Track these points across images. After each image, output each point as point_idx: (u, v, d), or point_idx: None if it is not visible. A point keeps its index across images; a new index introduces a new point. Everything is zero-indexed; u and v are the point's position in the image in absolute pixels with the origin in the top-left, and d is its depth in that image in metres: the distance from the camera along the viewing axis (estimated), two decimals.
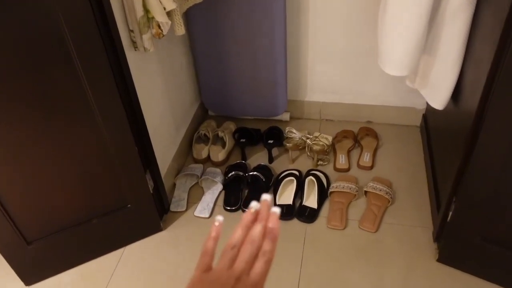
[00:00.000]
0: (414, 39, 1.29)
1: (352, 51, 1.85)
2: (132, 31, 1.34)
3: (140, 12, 1.28)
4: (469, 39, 1.25)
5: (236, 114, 2.10)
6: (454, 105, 1.39)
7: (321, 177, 1.75)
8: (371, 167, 1.81)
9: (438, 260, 1.44)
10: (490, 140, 1.10)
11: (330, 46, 1.86)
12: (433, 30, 1.32)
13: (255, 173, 1.74)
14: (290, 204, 1.65)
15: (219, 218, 0.53)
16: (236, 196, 1.72)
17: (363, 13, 1.73)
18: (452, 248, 1.40)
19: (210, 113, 2.18)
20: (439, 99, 1.40)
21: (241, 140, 1.92)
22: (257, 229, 0.52)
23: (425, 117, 1.94)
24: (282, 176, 1.76)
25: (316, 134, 1.92)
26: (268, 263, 0.51)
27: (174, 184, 1.81)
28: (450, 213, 1.32)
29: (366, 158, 1.83)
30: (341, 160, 1.84)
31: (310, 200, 1.67)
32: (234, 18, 1.72)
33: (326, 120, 2.10)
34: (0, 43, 1.02)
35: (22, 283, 1.49)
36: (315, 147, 1.82)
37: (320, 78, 1.98)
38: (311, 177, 1.71)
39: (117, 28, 1.19)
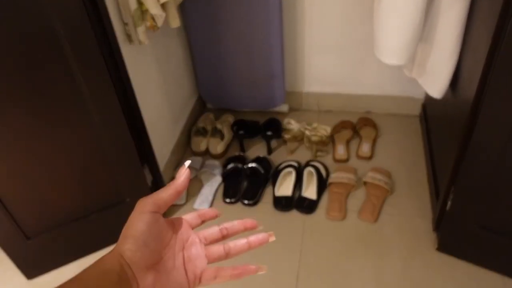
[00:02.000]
0: (410, 27, 1.28)
1: (349, 41, 1.84)
2: (126, 24, 1.33)
3: (133, 4, 1.27)
4: (466, 27, 1.24)
5: (234, 107, 2.10)
6: (452, 94, 1.38)
7: (320, 168, 1.75)
8: (370, 157, 1.81)
9: (438, 249, 1.44)
10: (487, 128, 1.09)
11: (327, 36, 1.85)
12: (430, 19, 1.30)
13: (254, 165, 1.73)
14: (289, 196, 1.65)
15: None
16: (235, 188, 1.72)
17: (359, 3, 1.71)
18: (451, 237, 1.39)
19: (209, 106, 2.18)
20: (437, 87, 1.39)
21: (240, 132, 1.92)
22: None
23: (424, 106, 1.93)
24: (281, 168, 1.76)
25: (315, 125, 1.91)
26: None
27: (173, 178, 1.80)
28: (449, 202, 1.31)
29: (365, 149, 1.83)
30: (340, 151, 1.83)
31: (309, 191, 1.67)
32: (231, 10, 1.70)
33: (325, 111, 2.09)
34: None
35: (24, 277, 1.50)
36: (314, 138, 1.81)
37: (318, 69, 1.97)
38: (310, 168, 1.71)
39: (110, 22, 1.18)
